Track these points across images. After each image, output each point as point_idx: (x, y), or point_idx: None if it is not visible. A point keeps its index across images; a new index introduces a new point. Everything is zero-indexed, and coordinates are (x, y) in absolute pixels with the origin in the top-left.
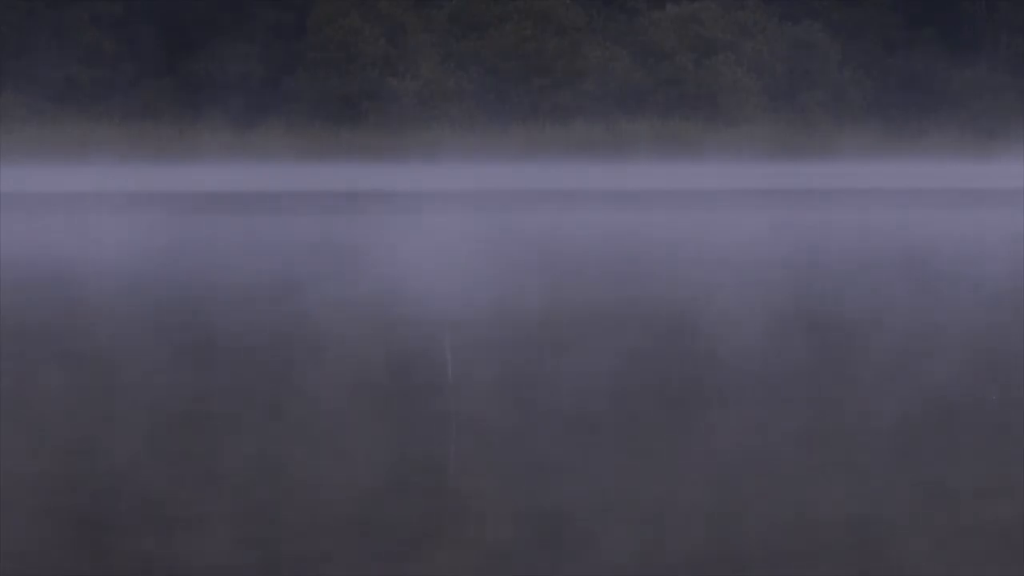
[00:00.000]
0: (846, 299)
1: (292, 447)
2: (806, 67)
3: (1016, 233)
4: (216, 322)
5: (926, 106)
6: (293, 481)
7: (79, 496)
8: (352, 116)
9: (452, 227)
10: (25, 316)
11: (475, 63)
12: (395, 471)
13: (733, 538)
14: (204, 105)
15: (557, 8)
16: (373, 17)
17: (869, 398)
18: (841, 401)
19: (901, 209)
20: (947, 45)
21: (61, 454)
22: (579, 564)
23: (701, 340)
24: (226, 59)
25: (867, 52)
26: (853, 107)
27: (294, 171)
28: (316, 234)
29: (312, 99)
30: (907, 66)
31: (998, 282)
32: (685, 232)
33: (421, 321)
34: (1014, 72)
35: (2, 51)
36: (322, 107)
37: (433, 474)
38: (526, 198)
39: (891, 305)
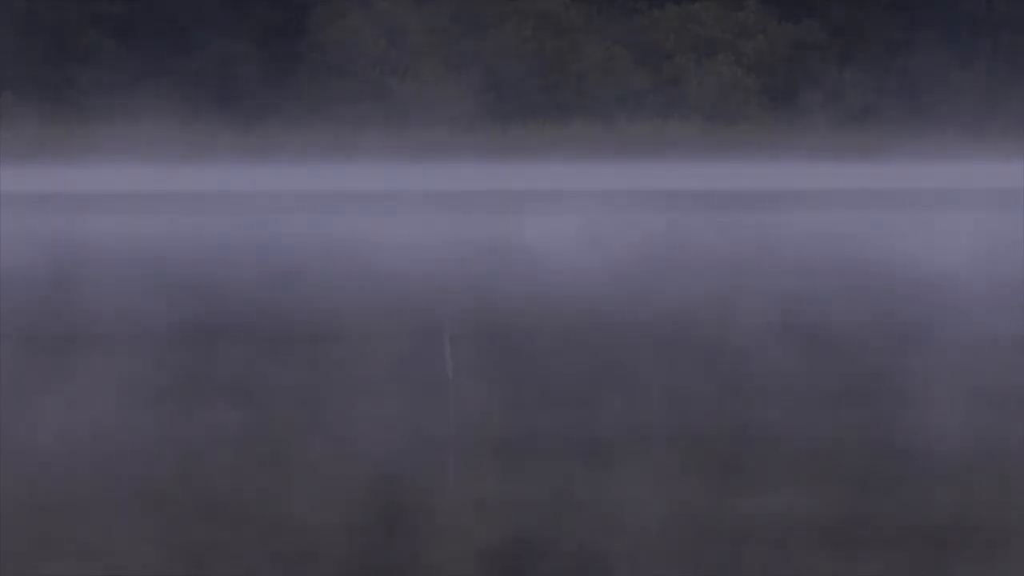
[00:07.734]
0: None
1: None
2: (806, 67)
3: None
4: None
5: (926, 106)
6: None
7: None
8: (352, 116)
9: (454, 227)
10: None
11: (475, 63)
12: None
13: None
14: (204, 105)
15: (557, 8)
16: (373, 17)
17: None
18: None
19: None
20: (947, 45)
21: None
22: None
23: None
24: (226, 59)
25: (867, 52)
26: (853, 107)
27: (294, 171)
28: (314, 234)
29: (312, 99)
30: (907, 66)
31: None
32: (682, 232)
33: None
34: (1014, 72)
35: (2, 51)
36: (322, 107)
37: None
38: (526, 198)
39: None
